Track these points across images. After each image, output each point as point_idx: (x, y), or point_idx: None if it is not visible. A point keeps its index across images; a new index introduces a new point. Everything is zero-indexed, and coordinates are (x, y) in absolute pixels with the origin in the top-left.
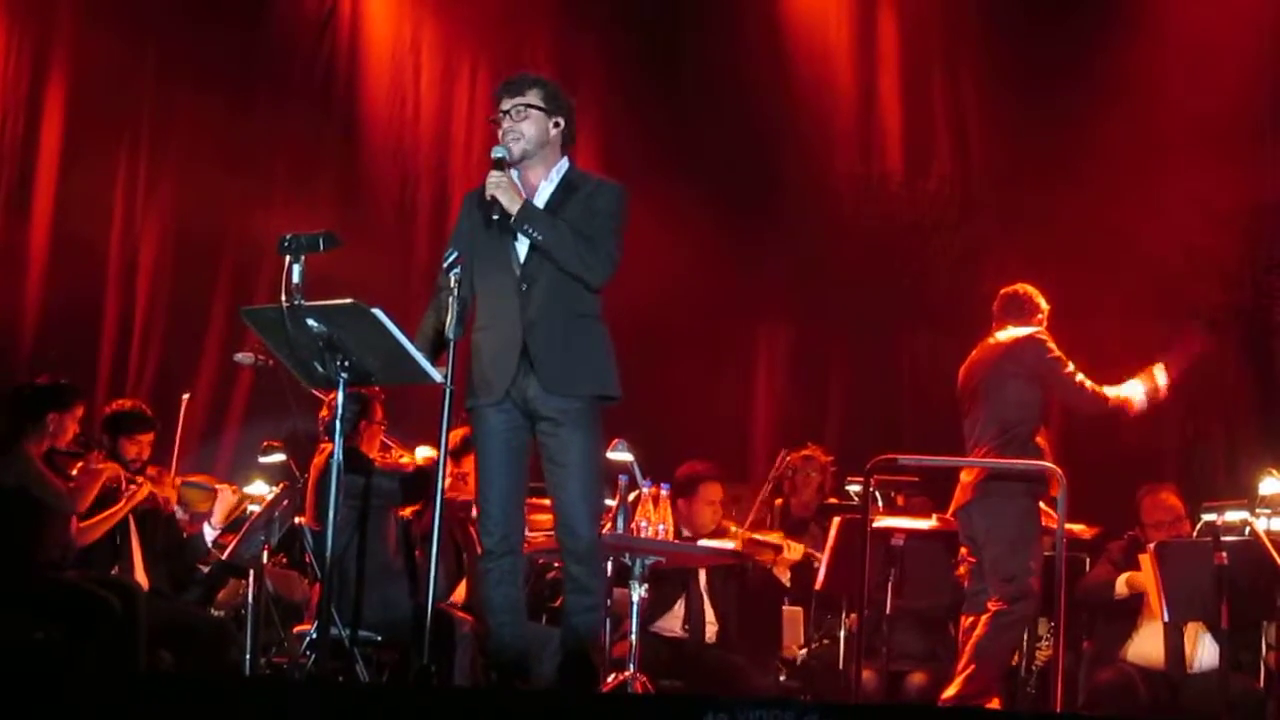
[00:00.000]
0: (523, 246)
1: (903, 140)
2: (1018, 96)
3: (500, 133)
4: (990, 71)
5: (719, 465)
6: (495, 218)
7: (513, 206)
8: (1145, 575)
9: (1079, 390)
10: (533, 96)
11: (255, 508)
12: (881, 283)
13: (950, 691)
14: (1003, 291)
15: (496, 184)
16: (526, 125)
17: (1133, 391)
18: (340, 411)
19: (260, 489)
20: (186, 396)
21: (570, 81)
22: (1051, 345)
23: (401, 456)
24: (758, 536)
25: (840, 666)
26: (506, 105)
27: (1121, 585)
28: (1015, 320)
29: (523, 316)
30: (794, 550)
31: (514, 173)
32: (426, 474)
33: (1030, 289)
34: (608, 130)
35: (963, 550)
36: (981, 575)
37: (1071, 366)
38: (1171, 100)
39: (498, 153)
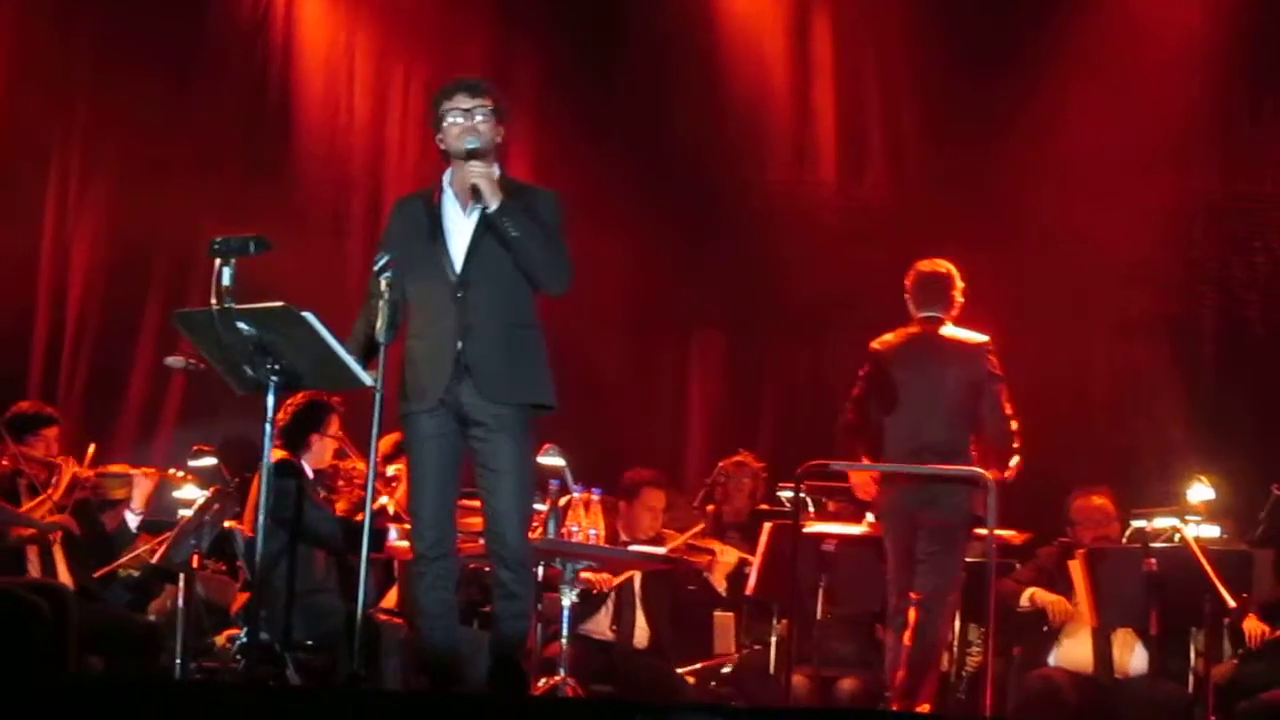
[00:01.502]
0: (459, 252)
1: (837, 147)
2: (952, 104)
3: (454, 130)
4: (925, 79)
5: (660, 473)
6: (475, 205)
7: (493, 199)
8: (1075, 581)
9: (1005, 417)
10: (490, 101)
11: (186, 511)
12: (815, 290)
13: (899, 702)
14: (922, 270)
15: (481, 173)
16: (484, 126)
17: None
18: (270, 415)
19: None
20: (92, 446)
21: (505, 88)
22: (995, 359)
23: (356, 464)
24: (694, 542)
25: (771, 672)
26: (467, 104)
27: (1025, 599)
28: (940, 305)
29: (459, 323)
30: (729, 555)
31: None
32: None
33: (951, 269)
34: (542, 136)
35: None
36: (905, 587)
37: (1005, 391)
38: (1105, 109)
39: (470, 144)
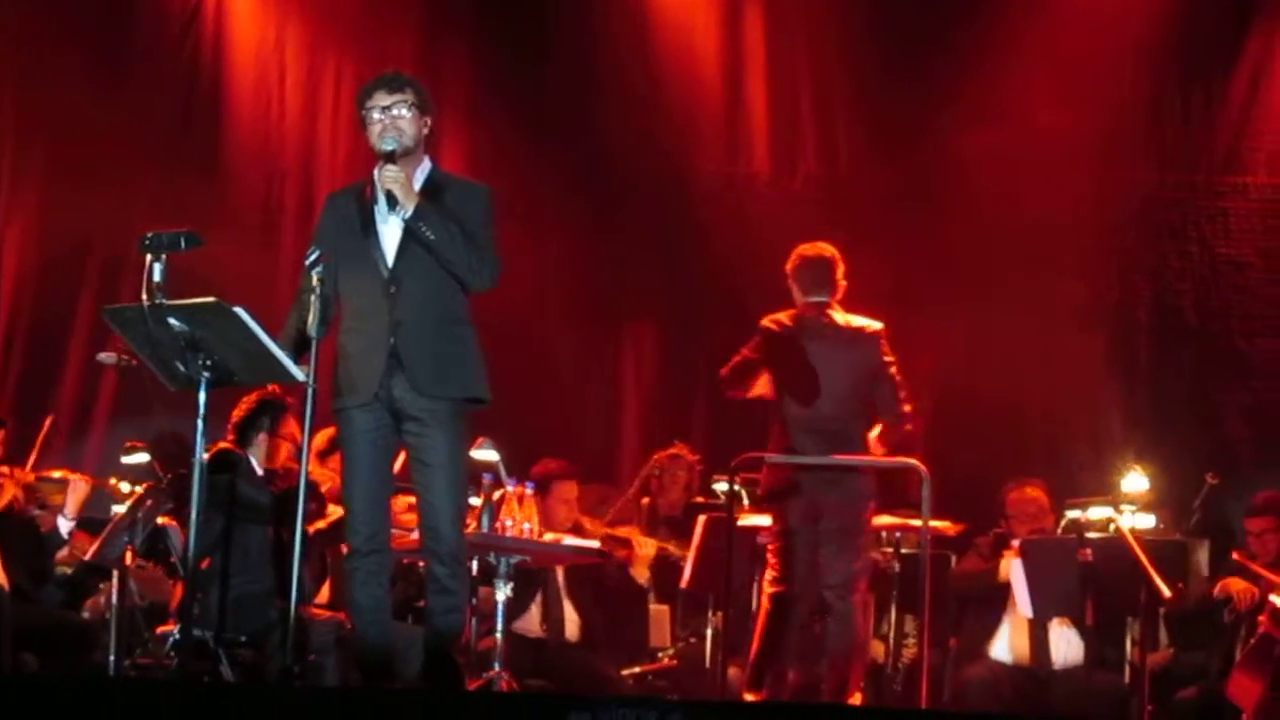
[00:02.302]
0: (390, 248)
1: (769, 140)
2: (885, 95)
3: (375, 129)
4: (857, 70)
5: (578, 464)
6: (391, 212)
7: (409, 202)
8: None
9: (900, 401)
10: (410, 94)
11: (119, 508)
12: (747, 283)
13: (831, 696)
14: (806, 254)
15: (394, 178)
16: (405, 123)
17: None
18: (202, 411)
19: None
20: (50, 419)
21: (436, 83)
22: (888, 345)
23: (312, 469)
24: (611, 533)
25: (707, 665)
26: (386, 101)
27: (1005, 567)
28: (826, 290)
29: (391, 317)
30: (647, 546)
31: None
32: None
33: (835, 252)
34: (473, 131)
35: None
36: (803, 575)
37: (899, 376)
38: (1039, 101)
39: (389, 145)
